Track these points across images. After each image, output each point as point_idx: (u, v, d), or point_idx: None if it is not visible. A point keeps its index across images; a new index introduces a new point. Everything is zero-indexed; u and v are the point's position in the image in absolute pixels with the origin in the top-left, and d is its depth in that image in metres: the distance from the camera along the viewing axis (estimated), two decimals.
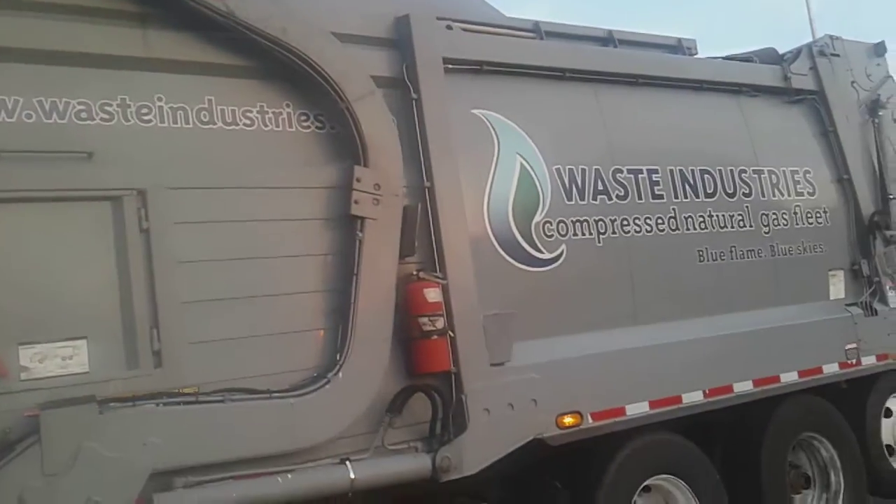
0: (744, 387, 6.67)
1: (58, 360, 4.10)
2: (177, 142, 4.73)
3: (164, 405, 4.16)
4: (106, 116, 4.55)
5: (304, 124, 5.23)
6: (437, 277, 5.29)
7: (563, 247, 6.04)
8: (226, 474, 4.24)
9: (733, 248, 7.10)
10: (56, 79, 4.45)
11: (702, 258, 6.88)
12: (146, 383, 4.25)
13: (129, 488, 3.90)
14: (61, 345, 4.12)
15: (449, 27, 5.86)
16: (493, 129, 5.89)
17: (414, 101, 5.51)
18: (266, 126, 5.07)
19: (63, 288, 4.23)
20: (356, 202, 4.96)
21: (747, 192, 7.35)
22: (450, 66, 5.72)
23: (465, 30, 5.97)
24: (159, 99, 4.72)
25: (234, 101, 4.97)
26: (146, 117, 4.67)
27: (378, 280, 4.98)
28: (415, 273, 5.25)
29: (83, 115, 4.48)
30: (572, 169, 6.21)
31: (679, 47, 7.99)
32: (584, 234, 6.18)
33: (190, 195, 4.65)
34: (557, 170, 6.12)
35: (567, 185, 6.15)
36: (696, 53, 8.12)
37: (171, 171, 4.63)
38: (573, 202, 6.18)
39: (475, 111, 5.86)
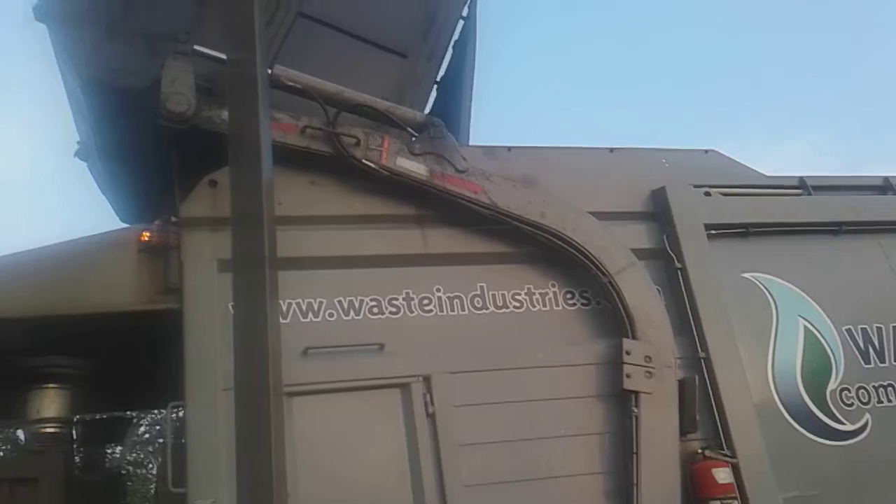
0: None
1: None
2: (455, 328, 5.04)
3: None
4: (393, 310, 5.00)
5: (570, 302, 5.34)
6: (726, 455, 4.89)
7: (867, 416, 5.37)
8: None
9: None
10: (351, 280, 5.01)
11: None
12: None
13: None
14: None
15: (707, 193, 5.82)
16: (769, 292, 5.58)
17: (679, 271, 5.43)
18: (534, 307, 5.25)
19: (363, 471, 4.51)
20: (628, 376, 4.85)
21: None
22: (713, 231, 5.62)
23: (724, 194, 5.88)
24: (438, 290, 5.12)
25: (504, 286, 5.24)
26: (427, 307, 5.06)
27: (660, 459, 4.72)
28: (700, 451, 4.90)
29: (374, 310, 4.97)
30: (866, 328, 5.64)
31: None
32: (891, 401, 5.45)
33: (469, 379, 4.84)
34: (848, 330, 5.58)
35: (863, 346, 5.57)
36: None
37: (450, 356, 4.90)
38: (872, 365, 5.55)
39: (746, 275, 5.62)
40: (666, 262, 5.50)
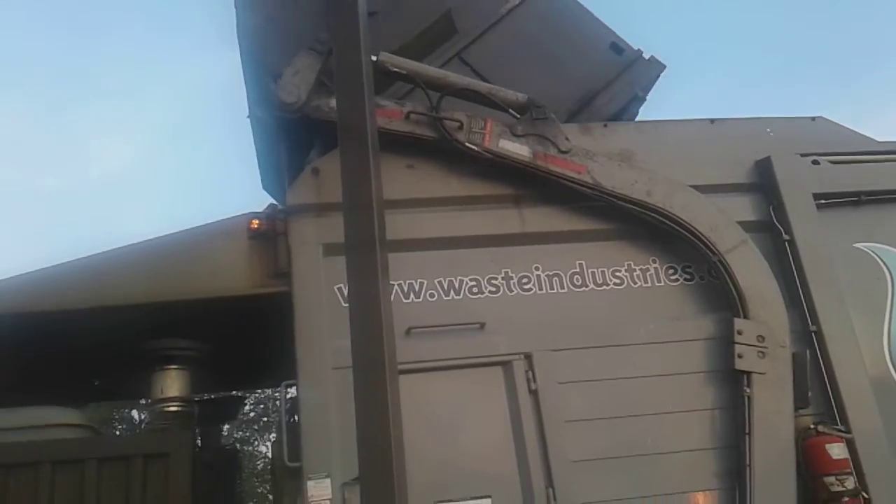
0: None
1: None
2: (555, 306, 5.05)
3: None
4: (493, 289, 5.06)
5: (672, 278, 5.26)
6: (840, 430, 4.74)
7: None
8: None
9: None
10: (450, 261, 5.09)
11: None
12: None
13: None
14: (470, 502, 4.42)
15: (815, 162, 5.60)
16: (884, 263, 5.36)
17: (787, 243, 5.27)
18: (635, 283, 5.21)
19: (468, 448, 4.61)
20: (740, 356, 4.75)
21: None
22: (822, 201, 5.42)
23: (834, 162, 5.65)
24: (536, 268, 5.15)
25: (603, 263, 5.22)
26: (526, 286, 5.09)
27: (774, 440, 4.62)
28: (812, 427, 4.77)
29: (474, 289, 5.04)
30: None
31: None
32: None
33: (571, 356, 4.86)
34: None
35: None
36: None
37: (552, 334, 4.92)
38: None
39: (859, 245, 5.41)
40: (773, 234, 5.35)
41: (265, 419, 15.39)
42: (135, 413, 13.83)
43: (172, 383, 5.18)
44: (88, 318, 4.78)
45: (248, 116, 6.06)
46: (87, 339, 5.06)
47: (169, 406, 5.14)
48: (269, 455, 15.03)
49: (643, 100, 6.21)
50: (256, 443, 15.22)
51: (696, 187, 5.27)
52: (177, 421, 5.08)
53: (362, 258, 3.41)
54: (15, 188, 53.48)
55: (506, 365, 4.82)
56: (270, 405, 15.37)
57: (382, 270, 3.39)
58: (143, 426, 12.94)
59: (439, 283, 5.02)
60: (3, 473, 4.06)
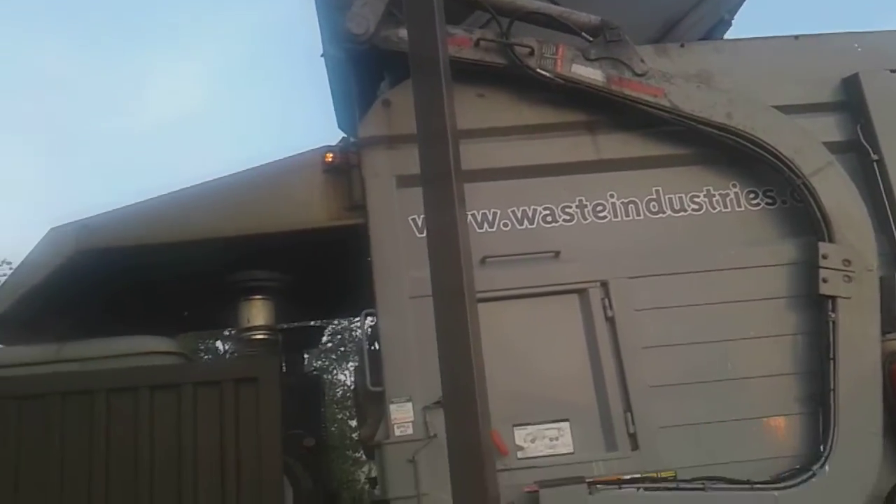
0: None
1: (546, 441, 4.51)
2: (631, 233, 5.00)
3: (645, 490, 4.25)
4: (567, 217, 5.04)
5: (754, 202, 5.13)
6: None
7: None
8: None
9: None
10: (524, 190, 5.08)
11: None
12: (625, 465, 4.42)
13: None
14: (548, 426, 4.53)
15: None
16: None
17: (875, 163, 5.05)
18: (714, 209, 5.10)
19: (545, 374, 4.67)
20: (824, 280, 4.64)
21: None
22: None
23: None
24: (611, 196, 5.09)
25: (681, 189, 5.12)
26: (601, 214, 5.05)
27: (859, 365, 4.53)
28: None
29: (548, 218, 5.03)
30: None
31: None
32: None
33: (648, 283, 4.84)
34: None
35: None
36: None
37: (628, 262, 4.89)
38: None
39: None
40: (860, 154, 5.13)
41: (342, 349, 15.89)
42: (219, 344, 14.45)
43: (258, 313, 5.39)
44: (176, 252, 4.99)
45: (322, 55, 6.08)
46: (176, 271, 5.30)
47: (255, 334, 5.36)
48: (347, 383, 15.65)
49: (729, 24, 5.96)
50: (335, 371, 15.78)
51: (778, 108, 5.09)
52: (263, 348, 5.30)
53: (438, 189, 3.44)
54: (84, 130, 55.35)
55: (581, 293, 4.83)
56: (346, 335, 15.84)
57: (459, 201, 3.41)
58: (226, 356, 13.55)
59: (513, 212, 5.03)
60: (105, 397, 4.34)
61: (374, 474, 5.32)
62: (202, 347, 14.37)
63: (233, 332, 6.13)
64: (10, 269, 15.98)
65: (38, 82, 53.00)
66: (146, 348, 4.72)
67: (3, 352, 5.16)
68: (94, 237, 4.94)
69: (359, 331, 5.12)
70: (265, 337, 5.38)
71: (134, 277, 5.40)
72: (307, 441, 5.38)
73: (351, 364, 16.24)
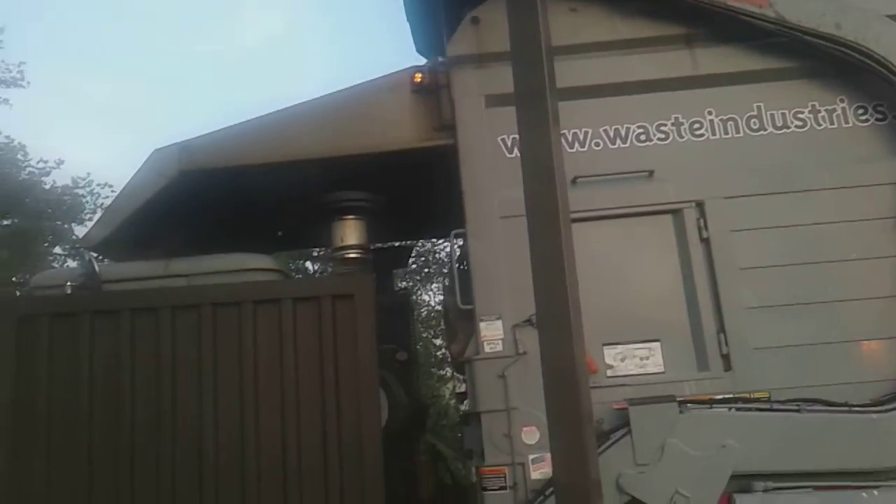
0: None
1: (636, 360, 4.53)
2: (729, 152, 4.84)
3: (738, 410, 4.25)
4: (662, 136, 4.91)
5: (862, 118, 4.87)
6: None
7: None
8: (805, 483, 4.12)
9: None
10: (617, 108, 4.95)
11: None
12: (717, 386, 4.41)
13: (713, 487, 4.08)
14: (638, 346, 4.55)
15: None
16: None
17: None
18: (819, 125, 4.87)
19: (636, 294, 4.66)
20: None
21: None
22: None
23: None
24: (709, 113, 4.92)
25: (784, 105, 4.89)
26: (698, 132, 4.90)
27: None
28: None
29: (642, 137, 4.91)
30: None
31: None
32: None
33: (746, 203, 4.70)
34: None
35: None
36: None
37: (725, 181, 4.76)
38: None
39: None
40: None
41: (425, 270, 16.16)
42: (308, 264, 14.91)
43: (351, 232, 5.53)
44: (272, 172, 5.13)
45: None
46: (272, 191, 5.46)
47: (348, 253, 5.52)
48: (431, 303, 15.98)
49: None
50: (419, 292, 16.09)
51: (892, 17, 4.74)
52: (356, 267, 5.46)
53: (533, 107, 3.39)
54: (179, 54, 56.51)
55: (676, 213, 4.75)
56: (430, 257, 16.06)
57: (553, 119, 3.36)
58: (316, 275, 13.99)
59: (605, 131, 4.93)
60: (211, 311, 4.57)
61: (459, 390, 5.48)
62: (293, 267, 14.88)
63: (322, 252, 6.30)
64: (112, 191, 16.98)
65: (136, 8, 54.16)
66: (248, 265, 4.92)
67: (114, 267, 5.46)
68: (196, 158, 5.11)
69: (445, 251, 5.17)
70: (358, 256, 5.54)
71: (232, 197, 5.60)
72: (400, 355, 5.56)
73: (434, 285, 16.54)
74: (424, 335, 14.92)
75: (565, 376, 3.12)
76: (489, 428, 4.48)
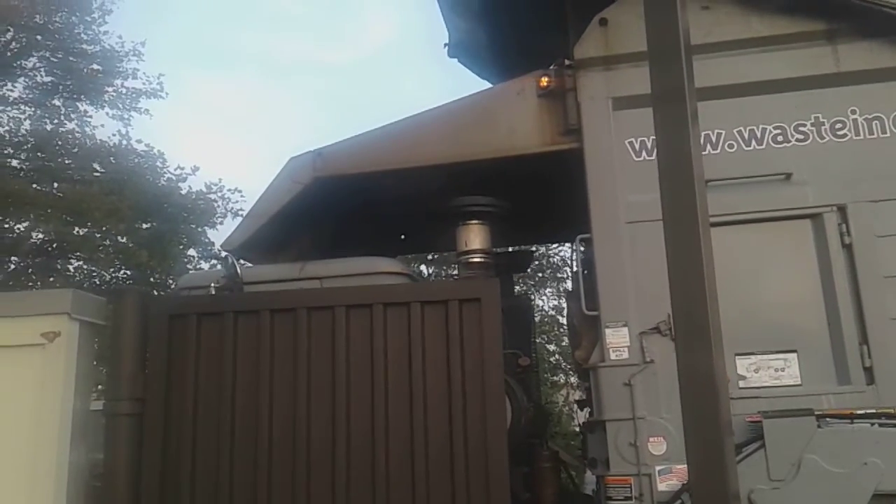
0: None
1: (771, 371, 4.36)
2: (874, 153, 4.60)
3: (881, 426, 4.01)
4: (801, 137, 4.71)
5: None
6: None
7: None
8: None
9: None
10: (752, 108, 4.79)
11: None
12: (858, 400, 4.19)
13: None
14: (774, 357, 4.38)
15: None
16: None
17: None
18: None
19: (771, 303, 4.50)
20: None
21: None
22: None
23: None
24: (853, 112, 4.69)
25: None
26: (840, 132, 4.68)
27: None
28: None
29: (779, 138, 4.73)
30: None
31: None
32: None
33: (892, 207, 4.45)
34: None
35: None
36: None
37: (870, 184, 4.52)
38: None
39: None
40: None
41: (540, 274, 16.07)
42: (423, 268, 15.14)
43: (475, 237, 5.59)
44: (401, 178, 5.29)
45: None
46: (399, 197, 5.62)
47: (472, 257, 5.59)
48: (545, 308, 15.89)
49: None
50: (533, 297, 16.06)
51: None
52: (480, 270, 5.52)
53: (671, 108, 3.31)
54: (306, 63, 58.70)
55: (815, 217, 4.55)
56: (544, 262, 15.96)
57: (692, 119, 3.27)
58: (431, 279, 14.19)
59: (739, 132, 4.79)
60: (345, 312, 4.73)
61: (576, 397, 5.43)
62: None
63: (436, 256, 6.40)
64: (241, 196, 17.83)
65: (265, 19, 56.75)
66: (379, 268, 5.06)
67: (254, 270, 5.75)
68: (329, 164, 5.33)
69: (559, 256, 5.15)
70: (482, 260, 5.59)
71: (361, 203, 5.79)
72: (522, 360, 5.56)
73: (547, 289, 16.43)
74: (538, 340, 14.88)
75: (704, 386, 3.04)
76: (614, 437, 4.43)
